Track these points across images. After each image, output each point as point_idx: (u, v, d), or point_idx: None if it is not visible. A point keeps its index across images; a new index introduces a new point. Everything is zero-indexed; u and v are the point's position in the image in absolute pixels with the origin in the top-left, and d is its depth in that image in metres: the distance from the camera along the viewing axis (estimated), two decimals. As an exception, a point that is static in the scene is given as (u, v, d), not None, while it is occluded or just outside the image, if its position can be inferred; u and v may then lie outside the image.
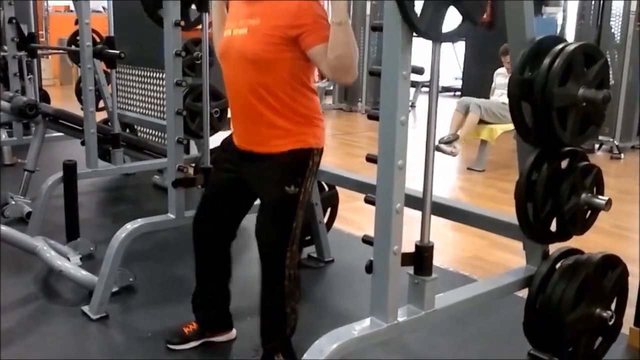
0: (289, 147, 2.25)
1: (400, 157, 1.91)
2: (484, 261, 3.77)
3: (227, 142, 2.44)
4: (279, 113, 2.22)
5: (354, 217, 4.38)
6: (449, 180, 5.86)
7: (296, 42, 2.14)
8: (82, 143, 3.90)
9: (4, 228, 3.16)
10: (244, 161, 2.34)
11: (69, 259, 3.35)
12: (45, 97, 6.18)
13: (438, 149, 5.98)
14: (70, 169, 3.69)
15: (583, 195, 2.27)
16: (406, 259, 2.07)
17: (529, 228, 2.28)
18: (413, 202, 2.11)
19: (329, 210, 3.79)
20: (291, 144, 2.25)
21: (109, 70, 4.18)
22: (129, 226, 2.93)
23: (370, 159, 2.00)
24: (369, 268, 2.04)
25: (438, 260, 3.69)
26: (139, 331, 2.80)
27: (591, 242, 2.84)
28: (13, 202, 4.24)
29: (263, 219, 2.33)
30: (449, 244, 4.14)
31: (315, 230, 3.62)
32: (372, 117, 1.97)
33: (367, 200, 2.04)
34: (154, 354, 2.61)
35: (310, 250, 3.71)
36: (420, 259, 2.08)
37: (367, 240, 2.06)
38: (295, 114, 2.23)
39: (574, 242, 2.51)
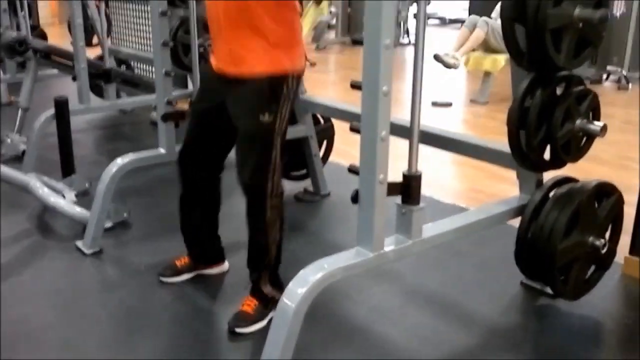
0: (264, 70, 2.19)
1: (384, 82, 1.84)
2: (482, 193, 3.74)
3: (204, 71, 2.38)
4: (257, 30, 2.15)
5: (352, 150, 4.32)
6: (451, 113, 5.77)
7: None
8: (74, 79, 3.84)
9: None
10: (222, 87, 2.28)
11: (64, 195, 3.35)
12: (42, 35, 6.07)
13: (437, 58, 5.87)
14: (61, 105, 3.64)
15: (578, 122, 2.20)
16: (393, 188, 2.03)
17: (521, 156, 2.22)
18: (401, 131, 2.06)
19: (324, 143, 3.74)
20: (267, 66, 2.19)
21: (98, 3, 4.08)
22: (119, 161, 2.89)
23: (355, 85, 1.94)
24: (355, 198, 2.00)
25: (435, 193, 3.73)
26: (133, 265, 2.81)
27: (592, 172, 2.80)
28: (9, 141, 4.21)
29: (241, 150, 2.29)
30: (446, 176, 4.10)
31: (310, 164, 3.58)
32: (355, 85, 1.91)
33: (352, 129, 1.99)
34: (147, 287, 2.61)
35: (306, 184, 3.68)
36: (408, 188, 2.05)
37: (352, 170, 2.02)
38: (273, 33, 2.16)
39: (574, 172, 2.46)
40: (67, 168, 3.67)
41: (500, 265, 2.73)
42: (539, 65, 2.11)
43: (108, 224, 3.13)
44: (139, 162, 2.96)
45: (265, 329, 2.25)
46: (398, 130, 2.05)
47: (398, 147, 2.14)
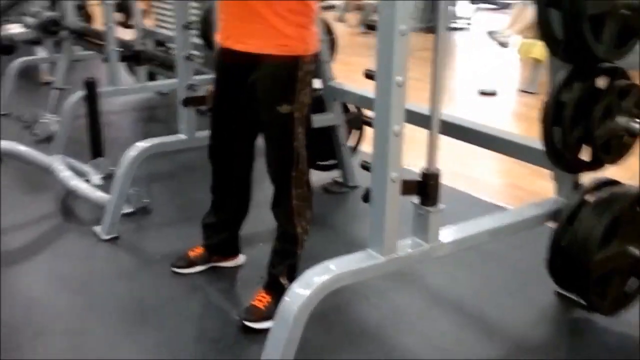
0: (274, 52, 2.10)
1: (399, 72, 1.68)
2: (522, 190, 3.51)
3: (218, 60, 2.32)
4: (266, 7, 2.06)
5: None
6: (498, 103, 5.51)
7: None
8: (104, 60, 3.79)
9: (21, 147, 3.11)
10: (236, 77, 2.22)
11: (88, 178, 3.31)
12: (87, 16, 6.08)
13: (491, 35, 5.66)
14: (91, 86, 3.59)
15: (619, 119, 1.99)
16: (409, 187, 1.88)
17: (555, 155, 2.03)
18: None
19: (355, 132, 3.59)
20: (277, 48, 2.09)
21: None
22: (138, 146, 2.83)
23: (369, 75, 1.79)
24: (366, 197, 1.86)
25: (470, 188, 3.54)
26: (148, 253, 2.74)
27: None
28: (43, 121, 4.21)
29: (265, 140, 2.25)
30: (484, 171, 3.88)
31: (339, 154, 3.44)
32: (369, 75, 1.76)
33: (365, 122, 1.84)
34: (159, 277, 2.54)
35: (335, 174, 3.54)
36: (425, 187, 1.89)
37: (365, 166, 1.88)
38: (283, 11, 2.06)
39: (620, 174, 2.25)
40: (95, 150, 3.63)
41: (534, 271, 2.52)
42: (576, 56, 1.91)
43: (129, 209, 3.07)
44: (158, 147, 2.88)
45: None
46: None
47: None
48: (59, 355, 2.08)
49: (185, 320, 2.29)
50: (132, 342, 2.16)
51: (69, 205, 3.17)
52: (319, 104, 3.37)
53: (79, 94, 3.67)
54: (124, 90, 3.85)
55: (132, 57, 3.82)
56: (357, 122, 3.50)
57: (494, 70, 6.34)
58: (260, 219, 2.54)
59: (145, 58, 3.83)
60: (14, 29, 4.32)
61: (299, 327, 1.74)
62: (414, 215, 1.94)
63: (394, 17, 1.63)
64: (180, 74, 2.85)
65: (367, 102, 3.15)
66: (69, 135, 4.08)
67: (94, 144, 3.64)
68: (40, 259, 2.69)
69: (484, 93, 5.64)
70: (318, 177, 3.50)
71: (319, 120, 3.32)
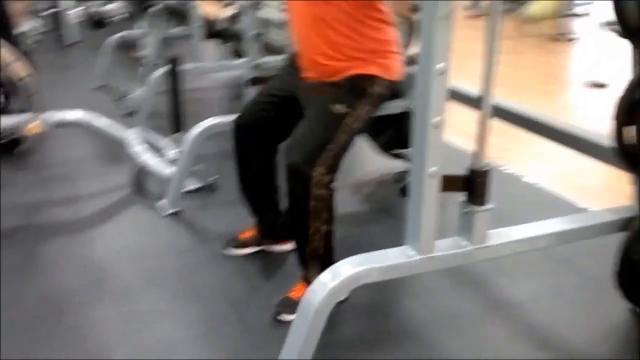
0: (347, 73, 2.10)
1: (440, 59, 1.55)
2: (616, 193, 3.21)
3: (287, 62, 2.31)
4: (340, 51, 2.08)
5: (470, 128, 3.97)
6: (606, 96, 5.10)
7: None
8: (188, 37, 3.84)
9: (98, 119, 3.21)
10: (300, 82, 2.21)
11: (163, 153, 3.38)
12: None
13: (608, 24, 5.22)
14: (174, 62, 3.66)
15: None
16: (452, 183, 1.75)
17: (627, 157, 1.82)
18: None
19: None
20: (350, 70, 2.10)
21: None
22: (204, 123, 2.83)
23: (412, 60, 1.67)
24: (404, 190, 1.74)
25: (555, 186, 3.28)
26: (204, 231, 2.75)
27: None
28: (133, 95, 4.35)
29: (300, 132, 2.10)
30: (574, 168, 3.59)
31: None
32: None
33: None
34: (209, 256, 2.54)
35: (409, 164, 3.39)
36: (472, 184, 1.74)
37: (400, 155, 1.76)
38: (360, 50, 2.07)
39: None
40: (174, 125, 3.70)
41: (608, 282, 2.31)
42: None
43: (195, 186, 3.11)
44: (223, 125, 2.87)
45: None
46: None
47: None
48: (108, 319, 2.14)
49: (226, 301, 2.26)
50: (173, 314, 2.18)
51: (140, 179, 3.25)
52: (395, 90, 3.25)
53: (163, 69, 3.76)
54: (207, 68, 3.89)
55: (216, 34, 3.85)
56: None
57: (609, 61, 5.89)
58: None
59: (228, 36, 3.84)
60: (110, 4, 4.47)
61: (321, 320, 1.66)
62: (460, 214, 1.80)
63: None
64: (248, 52, 2.82)
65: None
66: (156, 109, 4.21)
67: (174, 119, 3.71)
68: (104, 229, 2.77)
69: (593, 85, 5.26)
70: (391, 166, 3.39)
71: (393, 107, 3.18)
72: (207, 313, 2.19)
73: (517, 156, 3.70)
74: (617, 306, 2.20)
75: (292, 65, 2.28)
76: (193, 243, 2.67)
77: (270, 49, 3.75)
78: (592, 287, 2.37)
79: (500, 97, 2.46)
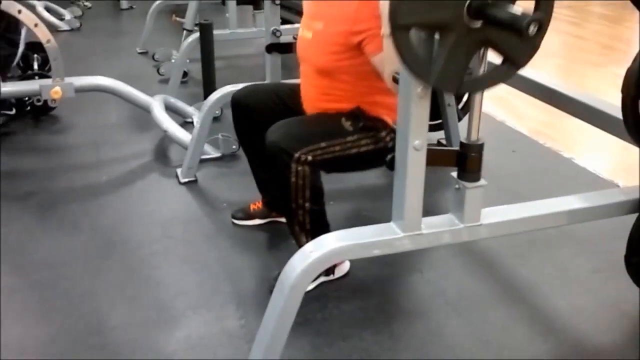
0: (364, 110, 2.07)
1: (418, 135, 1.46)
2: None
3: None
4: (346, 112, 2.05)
5: (515, 102, 3.79)
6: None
7: (360, 48, 1.95)
8: (223, 3, 3.80)
9: (122, 86, 3.22)
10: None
11: (191, 119, 3.38)
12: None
13: None
14: (206, 29, 3.63)
15: None
16: (443, 157, 1.65)
17: (637, 132, 1.66)
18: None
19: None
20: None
21: None
22: (220, 91, 2.79)
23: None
24: (390, 163, 1.65)
25: (592, 164, 3.10)
26: (218, 201, 2.73)
27: None
28: (172, 61, 4.36)
29: (293, 121, 2.06)
30: (611, 142, 3.39)
31: (443, 114, 3.17)
32: None
33: (394, 79, 1.62)
34: (217, 225, 2.53)
35: (440, 135, 3.28)
36: (464, 159, 1.64)
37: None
38: (369, 95, 2.04)
39: None
40: (206, 92, 3.69)
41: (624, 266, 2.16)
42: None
43: (216, 154, 3.09)
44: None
45: (312, 293, 2.06)
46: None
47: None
48: (106, 285, 2.15)
49: (225, 271, 2.23)
50: (170, 283, 2.17)
51: (163, 146, 3.26)
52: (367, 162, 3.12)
53: (195, 35, 3.73)
54: (239, 34, 3.83)
55: (249, 1, 3.79)
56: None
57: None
58: (331, 176, 2.41)
59: (257, 1, 3.77)
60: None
61: (296, 296, 1.60)
62: (452, 190, 1.70)
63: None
64: (266, 18, 2.75)
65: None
66: (193, 76, 4.22)
67: (205, 86, 3.70)
68: (117, 195, 2.80)
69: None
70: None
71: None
72: (204, 283, 2.17)
73: (559, 132, 3.52)
74: (632, 293, 2.05)
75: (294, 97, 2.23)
76: (204, 212, 2.65)
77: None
78: (605, 270, 2.23)
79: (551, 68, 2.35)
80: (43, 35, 2.94)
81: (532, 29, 1.28)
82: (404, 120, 1.56)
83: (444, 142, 3.27)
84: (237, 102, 2.30)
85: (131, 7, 6.65)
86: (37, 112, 3.60)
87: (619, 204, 1.79)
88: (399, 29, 1.36)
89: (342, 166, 2.05)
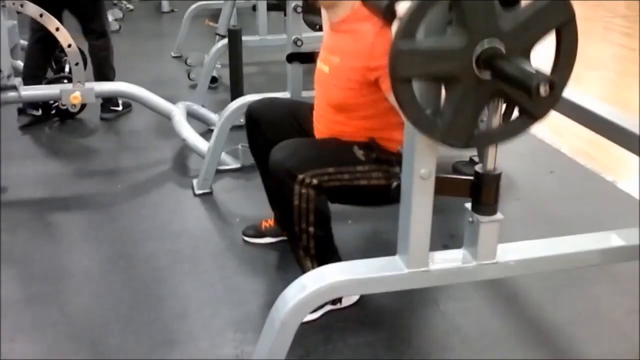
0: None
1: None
2: None
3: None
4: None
5: (555, 116, 3.57)
6: None
7: (376, 84, 1.85)
8: (253, 8, 3.70)
9: (146, 92, 3.14)
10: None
11: (213, 127, 3.27)
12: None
13: None
14: (234, 35, 3.53)
15: None
16: (456, 187, 1.49)
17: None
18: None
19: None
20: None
21: None
22: (238, 101, 2.69)
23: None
24: (397, 192, 1.50)
25: (636, 190, 2.86)
26: (230, 215, 2.62)
27: None
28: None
29: (301, 143, 1.96)
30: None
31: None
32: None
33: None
34: (228, 241, 2.42)
35: (473, 152, 3.09)
36: (478, 190, 1.47)
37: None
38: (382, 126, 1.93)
39: None
40: (233, 99, 3.58)
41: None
42: None
43: (236, 165, 2.99)
44: (258, 104, 2.71)
45: (317, 322, 1.93)
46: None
47: None
48: (100, 300, 2.08)
49: (232, 291, 2.12)
50: (175, 298, 2.08)
51: (183, 155, 3.16)
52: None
53: (224, 41, 3.64)
54: (267, 40, 3.72)
55: (275, 7, 3.68)
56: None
57: None
58: None
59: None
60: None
61: (287, 333, 1.46)
62: (466, 223, 1.53)
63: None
64: (288, 27, 2.62)
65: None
66: (223, 82, 4.13)
67: (232, 93, 3.60)
68: (130, 205, 2.71)
69: None
70: (448, 155, 3.10)
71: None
72: (205, 304, 2.05)
73: (603, 151, 3.29)
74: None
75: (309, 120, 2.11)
76: (215, 227, 2.55)
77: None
78: (613, 303, 2.02)
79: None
80: (64, 39, 2.88)
81: (543, 91, 1.12)
82: (409, 145, 1.40)
83: (476, 159, 3.09)
84: (251, 115, 2.20)
85: (172, 10, 6.62)
86: (63, 115, 3.56)
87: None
88: (399, 81, 1.23)
89: (348, 197, 1.92)
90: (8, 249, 2.32)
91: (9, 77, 2.81)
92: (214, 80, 4.18)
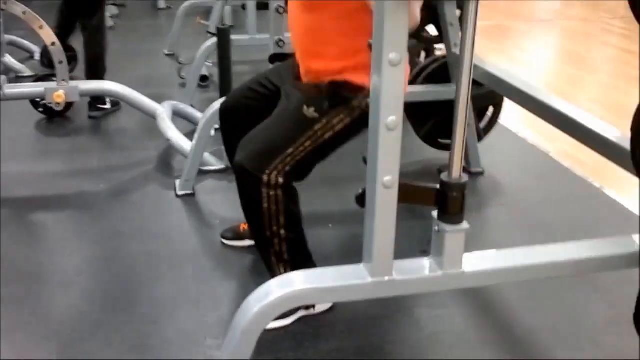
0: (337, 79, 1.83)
1: (392, 49, 1.26)
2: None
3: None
4: (331, 52, 1.84)
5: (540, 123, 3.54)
6: None
7: None
8: (243, 7, 3.68)
9: (131, 91, 3.13)
10: (288, 76, 2.01)
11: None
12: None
13: None
14: (223, 33, 3.51)
15: None
16: (421, 195, 1.46)
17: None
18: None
19: (490, 110, 3.07)
20: (336, 75, 1.83)
21: None
22: (220, 102, 2.65)
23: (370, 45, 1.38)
24: (361, 199, 1.48)
25: (623, 197, 2.82)
26: (211, 216, 2.61)
27: None
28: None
29: (260, 127, 1.87)
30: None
31: (463, 133, 2.95)
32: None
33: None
34: (206, 244, 2.40)
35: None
36: (444, 199, 1.45)
37: (364, 160, 1.49)
38: (353, 49, 1.76)
39: None
40: (222, 97, 3.57)
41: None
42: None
43: (220, 166, 2.97)
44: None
45: (289, 328, 1.91)
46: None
47: None
48: (85, 296, 2.07)
49: (204, 297, 2.09)
50: (146, 302, 2.05)
51: (168, 154, 3.14)
52: (443, 73, 2.93)
53: (213, 40, 3.62)
54: (256, 40, 3.70)
55: (266, 6, 3.65)
56: (485, 100, 2.97)
57: None
58: (335, 198, 2.23)
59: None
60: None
61: (248, 342, 1.44)
62: (433, 232, 1.51)
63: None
64: (270, 28, 2.60)
65: (495, 82, 2.63)
66: (214, 81, 4.11)
67: (222, 92, 3.58)
68: (110, 205, 2.69)
69: None
70: (436, 156, 3.08)
71: (439, 92, 2.88)
72: (177, 310, 2.03)
73: (592, 157, 3.26)
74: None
75: (290, 67, 2.04)
76: (193, 229, 2.53)
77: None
78: (625, 325, 1.98)
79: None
80: (48, 37, 2.87)
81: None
82: (372, 153, 1.38)
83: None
84: (222, 111, 2.16)
85: (169, 8, 6.60)
86: (50, 113, 3.54)
87: (631, 255, 1.56)
88: None
89: (320, 157, 1.85)
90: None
91: (-7, 75, 2.81)
92: (204, 79, 4.17)
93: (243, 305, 1.47)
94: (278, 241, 1.81)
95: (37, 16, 2.84)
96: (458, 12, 2.79)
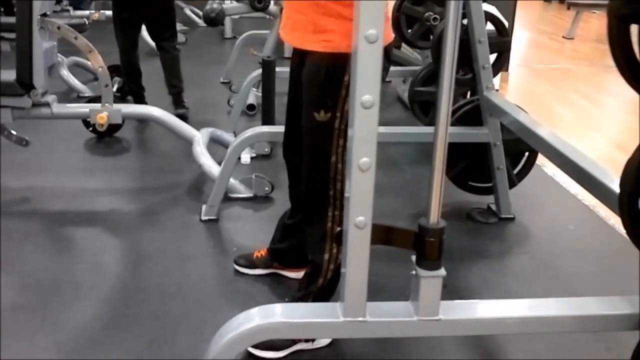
0: (318, 48, 1.79)
1: (365, 90, 1.28)
2: None
3: None
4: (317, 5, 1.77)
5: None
6: None
7: None
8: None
9: (171, 117, 3.24)
10: (293, 66, 2.01)
11: (239, 156, 3.33)
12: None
13: None
14: (268, 65, 3.60)
15: None
16: (397, 239, 1.46)
17: (635, 233, 1.38)
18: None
19: (525, 155, 3.01)
20: (322, 44, 1.78)
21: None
22: (249, 131, 2.73)
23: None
24: (338, 237, 1.49)
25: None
26: (228, 243, 2.66)
27: None
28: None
29: (302, 152, 1.95)
30: None
31: (494, 177, 2.90)
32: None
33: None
34: (219, 270, 2.44)
35: (489, 200, 3.01)
36: (422, 244, 1.44)
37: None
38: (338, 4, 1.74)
39: None
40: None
41: None
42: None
43: (248, 194, 3.02)
44: (268, 135, 2.76)
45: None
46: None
47: None
48: (88, 312, 2.13)
49: (208, 326, 2.11)
50: (146, 325, 2.09)
51: (201, 180, 3.22)
52: (475, 115, 2.89)
53: (257, 71, 3.72)
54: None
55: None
56: (520, 145, 2.91)
57: None
58: None
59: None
60: (225, 2, 4.57)
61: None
62: (410, 276, 1.49)
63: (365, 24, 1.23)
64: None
65: (524, 131, 2.54)
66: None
67: (263, 121, 3.66)
68: (133, 226, 2.77)
69: None
70: (467, 200, 3.03)
71: (470, 135, 2.85)
72: (177, 329, 2.06)
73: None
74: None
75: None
76: (210, 254, 2.57)
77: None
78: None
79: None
80: (96, 61, 3.03)
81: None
82: (347, 192, 1.39)
83: (492, 206, 3.00)
84: (284, 147, 2.17)
85: (234, 37, 6.82)
86: (100, 133, 3.71)
87: (616, 317, 1.49)
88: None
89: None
90: (11, 257, 2.43)
91: (43, 94, 2.97)
92: (251, 107, 4.27)
93: (220, 330, 1.50)
94: (332, 267, 1.91)
95: (88, 42, 3.00)
96: (492, 57, 2.77)
